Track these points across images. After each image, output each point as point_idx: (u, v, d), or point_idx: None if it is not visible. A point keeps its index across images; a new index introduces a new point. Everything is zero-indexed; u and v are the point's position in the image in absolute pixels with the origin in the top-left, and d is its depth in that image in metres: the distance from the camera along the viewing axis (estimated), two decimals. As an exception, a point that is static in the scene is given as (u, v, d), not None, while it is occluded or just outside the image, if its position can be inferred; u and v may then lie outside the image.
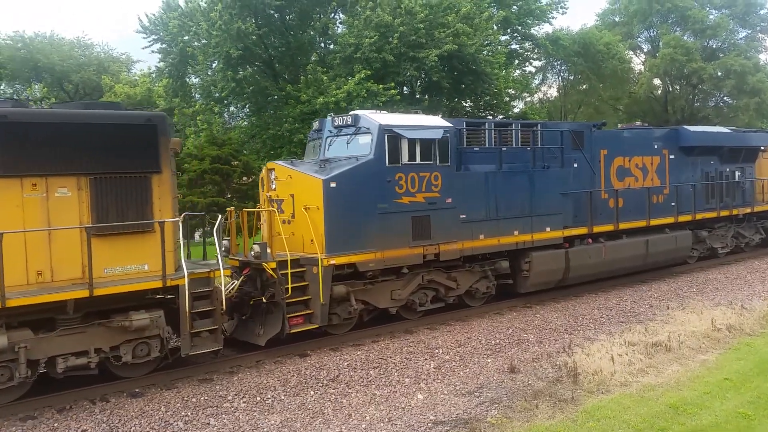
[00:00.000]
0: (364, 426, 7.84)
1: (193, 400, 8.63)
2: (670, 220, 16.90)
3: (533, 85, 35.08)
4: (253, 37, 20.40)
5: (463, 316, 13.04)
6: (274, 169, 11.78)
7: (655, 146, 17.09)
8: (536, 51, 32.91)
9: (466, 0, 22.52)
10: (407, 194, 11.58)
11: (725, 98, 41.08)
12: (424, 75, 22.22)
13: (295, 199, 11.08)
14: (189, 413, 8.20)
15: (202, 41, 21.61)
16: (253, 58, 22.06)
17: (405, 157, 11.57)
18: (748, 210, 19.85)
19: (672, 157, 17.47)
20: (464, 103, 25.00)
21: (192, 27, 21.76)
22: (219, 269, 9.40)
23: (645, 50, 44.77)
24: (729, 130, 20.07)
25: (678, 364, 9.88)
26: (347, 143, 11.81)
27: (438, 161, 12.02)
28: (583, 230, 14.73)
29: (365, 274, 11.41)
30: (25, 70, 37.09)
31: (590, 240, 14.92)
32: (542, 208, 13.72)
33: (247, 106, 23.53)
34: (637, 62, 43.95)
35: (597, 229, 14.96)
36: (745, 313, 12.80)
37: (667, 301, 14.41)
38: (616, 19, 43.45)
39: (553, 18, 31.84)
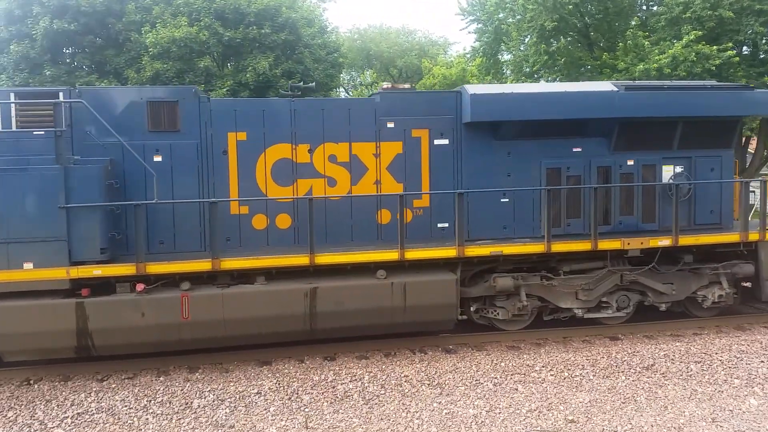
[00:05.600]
0: (682, 421, 7.19)
1: (502, 364, 8.95)
2: (381, 256, 9.15)
3: None
4: (570, 6, 19.81)
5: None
6: None
7: (389, 125, 9.82)
8: None
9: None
10: None
11: None
12: (773, 31, 18.88)
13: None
14: (498, 376, 8.54)
15: (517, 17, 21.80)
16: (567, 29, 21.49)
17: None
18: (664, 242, 9.85)
19: (442, 142, 9.94)
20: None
21: (508, 3, 22.11)
22: None
23: None
24: (612, 87, 10.17)
25: None
26: None
27: None
28: (125, 269, 8.50)
29: None
30: (360, 58, 42.29)
31: (142, 286, 8.64)
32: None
33: (558, 78, 23.04)
34: None
35: (156, 269, 8.54)
36: None
37: None
38: None
39: None
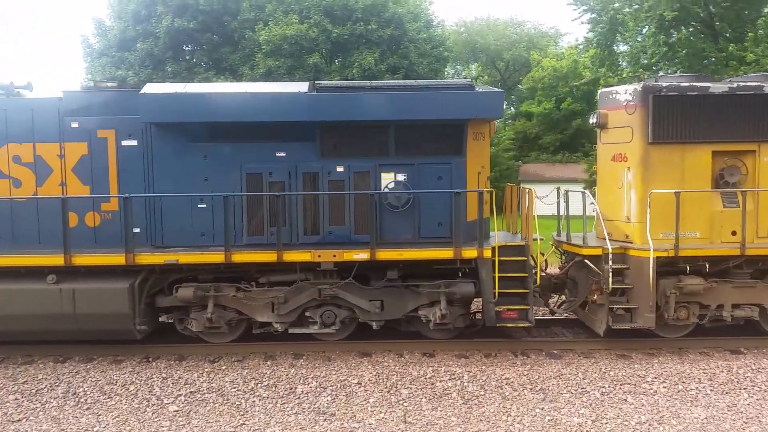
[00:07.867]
0: (818, 449, 6.53)
1: (611, 373, 8.53)
2: (46, 260, 8.94)
3: None
4: (693, -7, 18.58)
5: None
6: None
7: (73, 125, 9.31)
8: None
9: None
10: None
11: None
12: None
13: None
14: (606, 385, 8.15)
15: (634, 6, 20.69)
16: (689, 19, 20.11)
17: None
18: (362, 255, 8.89)
19: (131, 143, 9.32)
20: None
21: (624, -8, 21.07)
22: None
23: None
24: (302, 89, 9.22)
25: None
26: None
27: None
28: None
29: None
30: (466, 51, 41.83)
31: None
32: None
33: (679, 71, 21.65)
34: None
35: None
36: None
37: None
38: None
39: None
